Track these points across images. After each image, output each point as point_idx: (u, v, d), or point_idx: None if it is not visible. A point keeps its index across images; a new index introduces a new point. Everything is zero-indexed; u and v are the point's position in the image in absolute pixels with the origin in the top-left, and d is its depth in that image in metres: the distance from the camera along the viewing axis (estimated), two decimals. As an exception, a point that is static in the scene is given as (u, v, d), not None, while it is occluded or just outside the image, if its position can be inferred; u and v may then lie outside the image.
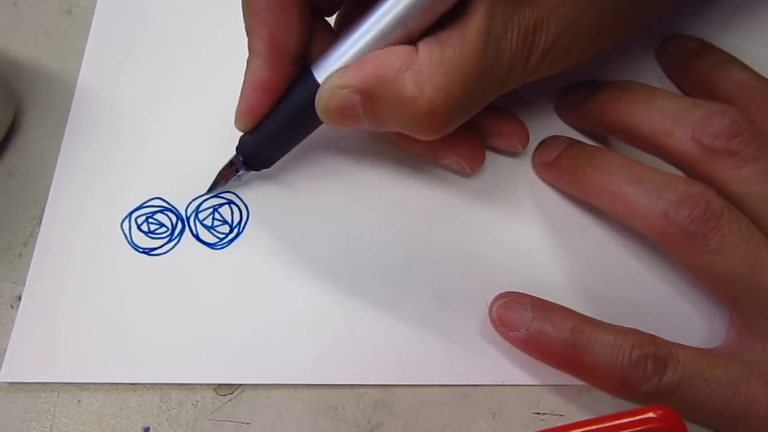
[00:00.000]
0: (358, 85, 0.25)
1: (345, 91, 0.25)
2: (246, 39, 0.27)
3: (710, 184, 0.26)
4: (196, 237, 0.31)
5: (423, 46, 0.24)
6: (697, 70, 0.32)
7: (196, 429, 0.27)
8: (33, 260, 0.30)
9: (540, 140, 0.32)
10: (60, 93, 0.34)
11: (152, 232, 0.31)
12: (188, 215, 0.31)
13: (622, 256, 0.30)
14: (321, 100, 0.25)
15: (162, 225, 0.31)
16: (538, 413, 0.27)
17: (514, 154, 0.32)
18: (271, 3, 0.25)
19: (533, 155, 0.32)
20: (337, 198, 0.31)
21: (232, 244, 0.30)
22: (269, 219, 0.31)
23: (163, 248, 0.30)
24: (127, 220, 0.31)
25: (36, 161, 0.33)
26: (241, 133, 0.29)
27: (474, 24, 0.24)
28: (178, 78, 0.35)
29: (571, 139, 0.31)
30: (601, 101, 0.30)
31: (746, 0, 0.36)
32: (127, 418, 0.27)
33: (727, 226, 0.25)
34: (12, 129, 0.33)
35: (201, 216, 0.31)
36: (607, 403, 0.27)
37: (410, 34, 0.25)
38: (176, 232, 0.31)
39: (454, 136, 0.27)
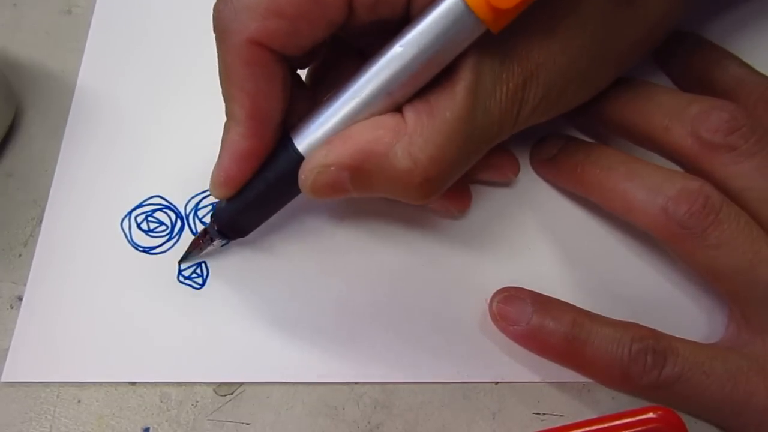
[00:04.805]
0: (346, 163, 0.24)
1: (332, 168, 0.24)
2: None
3: (709, 179, 0.26)
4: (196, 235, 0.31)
5: (411, 113, 0.23)
6: (695, 66, 0.32)
7: (196, 429, 0.27)
8: (34, 260, 0.30)
9: (536, 140, 0.32)
10: (60, 93, 0.34)
11: (152, 231, 0.31)
12: (188, 213, 0.31)
13: (622, 251, 0.30)
14: (307, 179, 0.24)
15: (162, 223, 0.31)
16: (538, 413, 0.27)
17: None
18: (253, 70, 0.24)
19: (531, 153, 0.32)
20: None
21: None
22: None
23: (162, 247, 0.30)
24: (126, 219, 0.31)
25: (36, 161, 0.33)
26: None
27: (462, 86, 0.23)
28: (177, 78, 0.35)
29: (568, 136, 0.31)
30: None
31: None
32: (127, 418, 0.27)
33: (726, 220, 0.25)
34: (12, 129, 0.33)
35: (200, 214, 0.31)
36: (607, 403, 0.27)
37: (396, 101, 0.24)
38: (176, 230, 0.31)
39: None
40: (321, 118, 0.24)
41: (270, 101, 0.25)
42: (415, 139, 0.23)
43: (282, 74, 0.25)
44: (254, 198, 0.26)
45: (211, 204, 0.31)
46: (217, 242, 0.29)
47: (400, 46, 0.22)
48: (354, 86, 0.24)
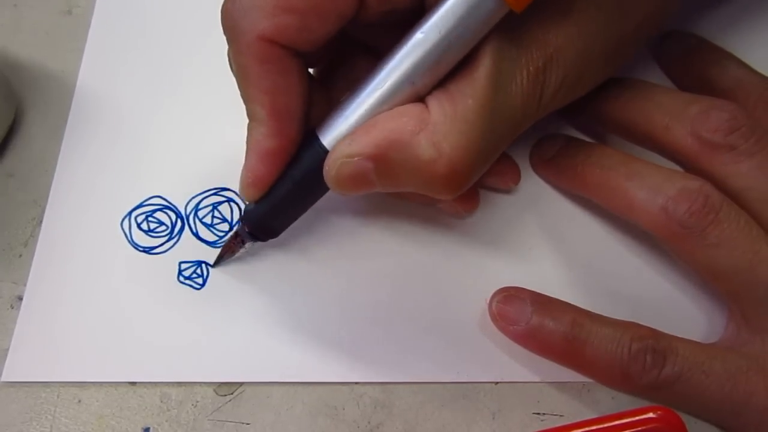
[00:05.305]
0: (369, 152, 0.23)
1: (356, 159, 0.23)
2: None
3: (709, 179, 0.26)
4: (196, 235, 0.31)
5: (433, 103, 0.23)
6: (695, 66, 0.32)
7: (196, 429, 0.27)
8: (34, 260, 0.30)
9: (536, 140, 0.32)
10: (60, 93, 0.34)
11: (152, 231, 0.31)
12: (188, 213, 0.31)
13: (622, 251, 0.30)
14: (331, 170, 0.24)
15: (162, 223, 0.31)
16: (538, 413, 0.27)
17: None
18: (268, 68, 0.24)
19: (531, 153, 0.32)
20: (337, 197, 0.31)
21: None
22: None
23: (162, 247, 0.30)
24: (127, 219, 0.31)
25: (36, 161, 0.33)
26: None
27: (482, 72, 0.23)
28: (177, 77, 0.35)
29: (568, 136, 0.31)
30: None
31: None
32: (127, 418, 0.27)
33: (726, 220, 0.25)
34: (12, 129, 0.33)
35: (200, 214, 0.31)
36: (607, 403, 0.27)
37: (418, 91, 0.23)
38: (176, 230, 0.31)
39: None
40: (345, 112, 0.24)
41: (289, 98, 0.24)
42: (438, 128, 0.23)
43: (297, 70, 0.24)
44: (283, 197, 0.26)
45: (211, 205, 0.31)
46: (248, 244, 0.29)
47: (422, 32, 0.22)
48: (376, 78, 0.23)
